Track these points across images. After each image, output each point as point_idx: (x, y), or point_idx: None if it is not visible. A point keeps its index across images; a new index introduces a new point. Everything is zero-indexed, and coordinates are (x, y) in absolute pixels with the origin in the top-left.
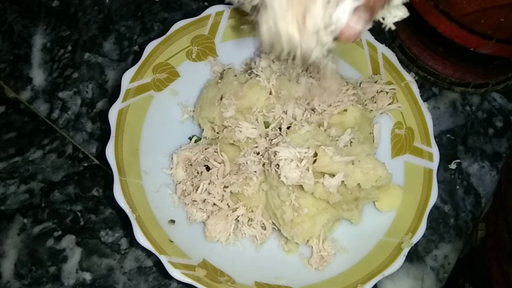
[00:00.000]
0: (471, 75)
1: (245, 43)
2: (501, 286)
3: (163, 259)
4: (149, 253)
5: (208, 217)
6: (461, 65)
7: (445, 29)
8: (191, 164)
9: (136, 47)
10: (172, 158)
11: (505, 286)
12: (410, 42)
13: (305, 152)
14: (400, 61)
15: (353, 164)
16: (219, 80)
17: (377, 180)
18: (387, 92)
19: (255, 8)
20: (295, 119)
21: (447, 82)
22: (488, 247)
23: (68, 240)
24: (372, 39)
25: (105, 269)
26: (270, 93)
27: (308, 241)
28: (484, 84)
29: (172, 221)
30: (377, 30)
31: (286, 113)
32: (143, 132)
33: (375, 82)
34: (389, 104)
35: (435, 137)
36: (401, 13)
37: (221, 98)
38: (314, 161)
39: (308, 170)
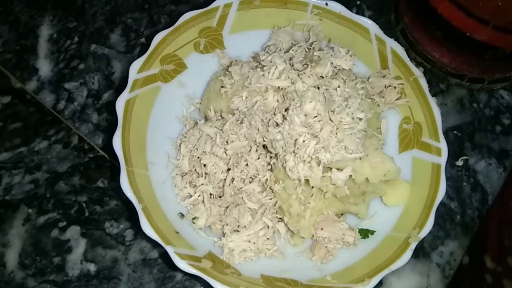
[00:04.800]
0: (467, 66)
1: (253, 36)
2: (495, 247)
3: (170, 250)
4: (154, 245)
5: None
6: (458, 54)
7: (444, 10)
8: (198, 157)
9: (143, 39)
10: (179, 148)
11: (499, 246)
12: (412, 26)
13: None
14: (401, 45)
15: (360, 158)
16: (226, 72)
17: (385, 174)
18: (395, 87)
19: None
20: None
21: (443, 72)
22: (492, 211)
23: (73, 231)
24: (381, 33)
25: (109, 261)
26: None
27: (313, 235)
28: (479, 79)
29: (182, 215)
30: (383, 18)
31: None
32: (150, 123)
33: (383, 76)
34: (397, 99)
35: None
36: None
37: (228, 90)
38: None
39: (318, 166)
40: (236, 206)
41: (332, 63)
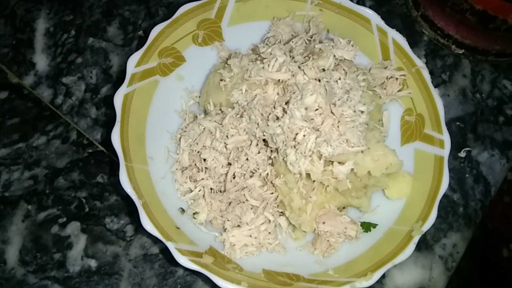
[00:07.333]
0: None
1: (253, 28)
2: None
3: (170, 246)
4: (155, 240)
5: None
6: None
7: None
8: (198, 151)
9: (140, 32)
10: (179, 143)
11: None
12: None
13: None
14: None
15: (362, 152)
16: (226, 65)
17: (388, 167)
18: (397, 78)
19: None
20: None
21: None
22: None
23: (73, 227)
24: (382, 23)
25: (110, 256)
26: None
27: (315, 229)
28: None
29: (182, 210)
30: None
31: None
32: (149, 117)
33: (385, 68)
34: (399, 90)
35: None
36: None
37: (227, 83)
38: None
39: (320, 160)
40: (238, 204)
41: (334, 55)
